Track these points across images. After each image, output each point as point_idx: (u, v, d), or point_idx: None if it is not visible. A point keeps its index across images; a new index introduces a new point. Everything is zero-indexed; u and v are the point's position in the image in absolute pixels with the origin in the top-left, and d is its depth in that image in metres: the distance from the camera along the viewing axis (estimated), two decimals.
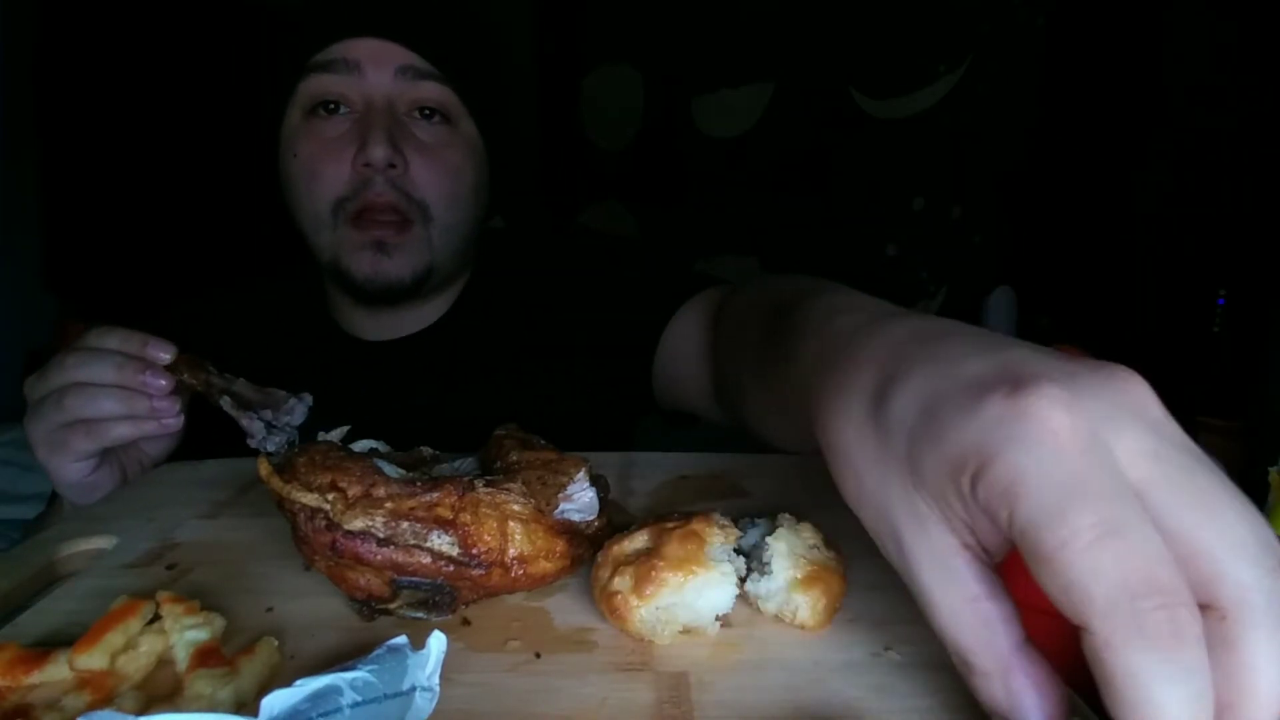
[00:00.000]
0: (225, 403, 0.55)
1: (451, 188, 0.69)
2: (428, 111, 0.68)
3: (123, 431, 0.56)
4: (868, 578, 0.41)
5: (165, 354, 0.56)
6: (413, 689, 0.28)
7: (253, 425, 0.54)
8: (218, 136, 1.79)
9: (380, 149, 0.63)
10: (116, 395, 0.54)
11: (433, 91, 0.67)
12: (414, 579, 0.35)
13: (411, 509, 0.35)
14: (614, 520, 0.41)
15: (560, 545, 0.38)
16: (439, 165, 0.68)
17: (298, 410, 0.56)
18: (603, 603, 0.35)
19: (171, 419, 0.56)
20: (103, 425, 0.55)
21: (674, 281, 0.77)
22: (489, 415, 0.57)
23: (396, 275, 0.68)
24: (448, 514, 0.36)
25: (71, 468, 0.56)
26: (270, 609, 0.38)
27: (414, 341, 0.77)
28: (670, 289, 0.76)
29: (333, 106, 0.66)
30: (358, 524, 0.35)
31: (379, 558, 0.35)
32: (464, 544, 0.35)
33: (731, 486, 0.54)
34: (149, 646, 0.32)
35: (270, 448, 0.53)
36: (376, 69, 0.65)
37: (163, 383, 0.55)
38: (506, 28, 0.75)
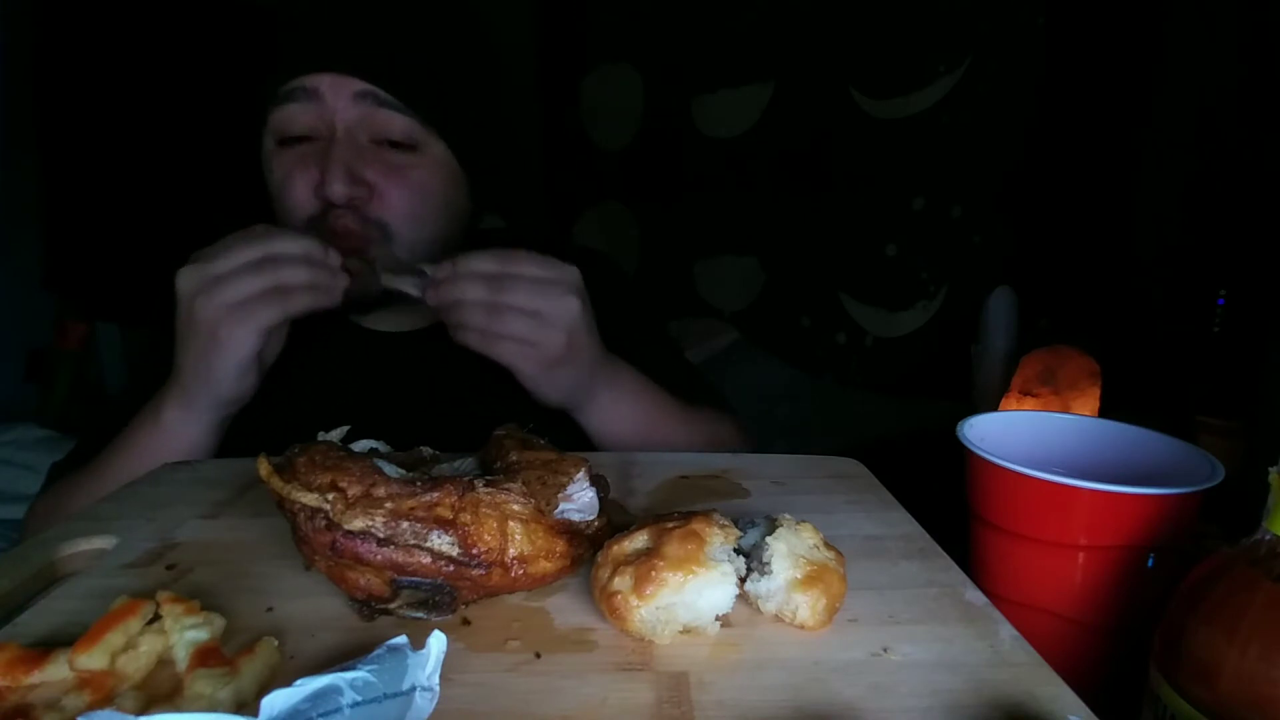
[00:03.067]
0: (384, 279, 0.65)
1: (417, 207, 0.70)
2: (391, 141, 0.69)
3: (307, 301, 0.60)
4: (868, 578, 0.41)
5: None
6: (413, 689, 0.28)
7: (405, 282, 0.64)
8: (216, 135, 1.79)
9: (338, 185, 0.65)
10: (305, 266, 0.60)
11: (393, 122, 0.68)
12: (414, 579, 0.35)
13: (411, 509, 0.35)
14: (614, 520, 0.42)
15: (560, 545, 0.38)
16: (405, 186, 0.69)
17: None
18: (603, 603, 0.35)
19: (342, 287, 0.62)
20: (292, 294, 0.59)
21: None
22: (491, 413, 0.57)
23: (359, 293, 0.70)
24: (448, 514, 0.36)
25: (248, 343, 0.59)
26: (270, 609, 0.38)
27: (418, 336, 0.78)
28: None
29: (297, 139, 0.68)
30: (358, 524, 0.35)
31: (379, 558, 0.35)
32: (464, 544, 0.35)
33: (731, 486, 0.54)
34: (149, 646, 0.32)
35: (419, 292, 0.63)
36: (335, 95, 0.66)
37: (335, 255, 0.61)
38: (489, 44, 0.74)
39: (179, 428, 0.62)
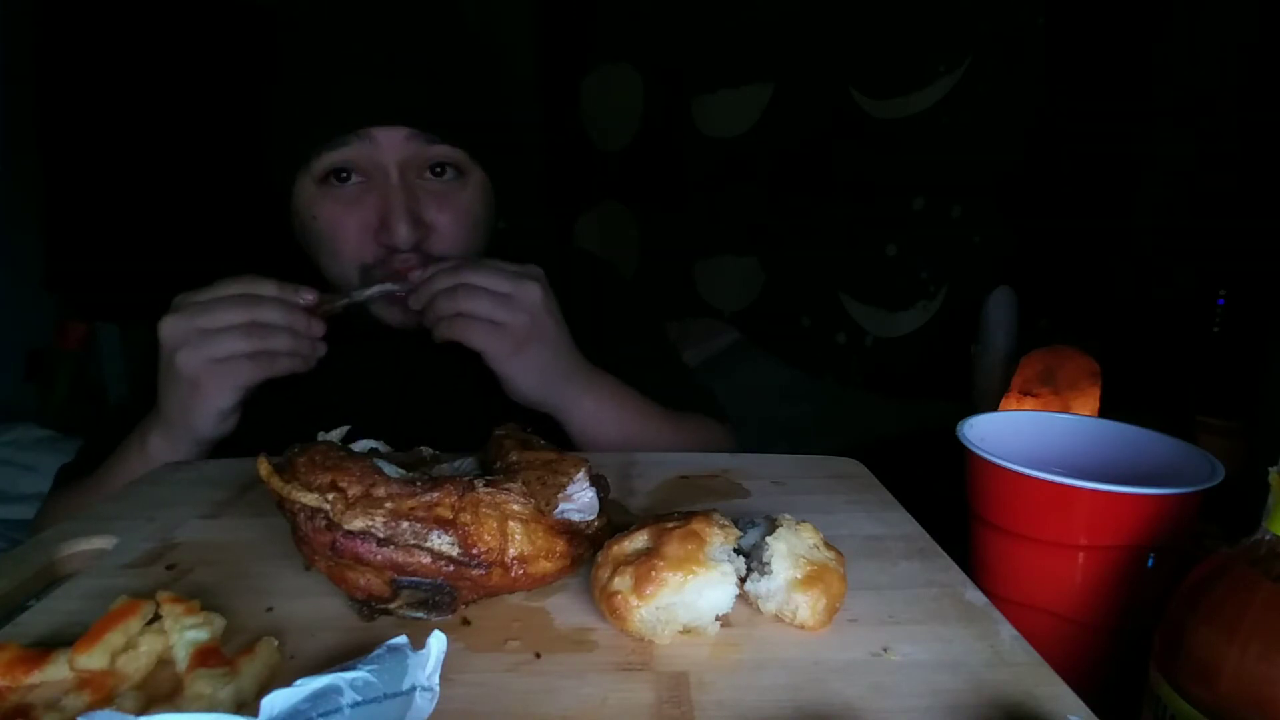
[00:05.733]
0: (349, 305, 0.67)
1: (467, 234, 0.73)
2: (439, 169, 0.70)
3: (287, 365, 0.62)
4: (868, 578, 0.41)
5: (312, 296, 0.63)
6: (413, 689, 0.28)
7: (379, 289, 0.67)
8: (217, 136, 1.79)
9: (404, 230, 0.67)
10: (290, 335, 0.62)
11: (444, 151, 0.69)
12: (414, 579, 0.35)
13: (411, 509, 0.35)
14: (614, 520, 0.42)
15: (560, 545, 0.38)
16: (455, 216, 0.71)
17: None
18: (603, 603, 0.35)
19: (319, 355, 0.65)
20: (276, 359, 0.62)
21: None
22: (490, 412, 0.57)
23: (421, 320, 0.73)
24: (448, 514, 0.36)
25: (230, 397, 0.61)
26: (270, 609, 0.38)
27: (419, 334, 0.78)
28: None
29: (345, 175, 0.68)
30: (358, 524, 0.35)
31: (379, 558, 0.35)
32: (464, 544, 0.35)
33: (731, 486, 0.54)
34: (149, 646, 0.32)
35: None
36: (388, 136, 0.67)
37: (318, 325, 0.63)
38: (500, 62, 0.76)
39: (164, 456, 0.63)
